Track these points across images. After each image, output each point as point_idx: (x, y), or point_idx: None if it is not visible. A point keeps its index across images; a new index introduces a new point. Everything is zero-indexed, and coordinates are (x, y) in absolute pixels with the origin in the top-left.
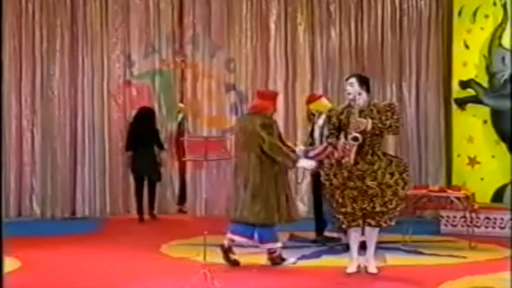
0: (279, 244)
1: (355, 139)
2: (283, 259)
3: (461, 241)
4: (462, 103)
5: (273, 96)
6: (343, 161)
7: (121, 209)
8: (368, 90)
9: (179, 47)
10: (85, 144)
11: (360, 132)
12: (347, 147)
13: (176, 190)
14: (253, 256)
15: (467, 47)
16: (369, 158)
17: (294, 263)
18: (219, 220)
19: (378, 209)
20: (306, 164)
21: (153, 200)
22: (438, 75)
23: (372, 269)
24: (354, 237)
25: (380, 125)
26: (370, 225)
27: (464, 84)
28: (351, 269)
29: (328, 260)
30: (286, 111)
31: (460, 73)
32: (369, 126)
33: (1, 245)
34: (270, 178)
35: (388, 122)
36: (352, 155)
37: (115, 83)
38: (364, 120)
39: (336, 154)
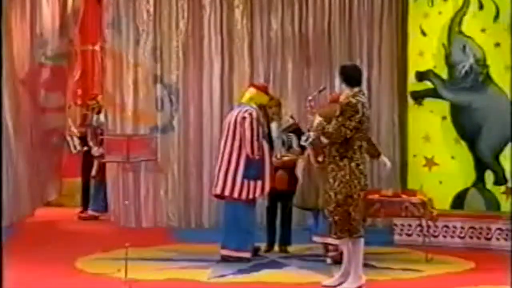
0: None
1: (305, 138)
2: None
3: (417, 252)
4: (418, 97)
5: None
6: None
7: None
8: (348, 84)
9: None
10: None
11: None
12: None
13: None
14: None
15: (424, 34)
16: (330, 159)
17: None
18: (146, 231)
19: (330, 218)
20: None
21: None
22: (392, 66)
23: (350, 284)
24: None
25: (320, 127)
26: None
27: (420, 76)
28: (329, 282)
29: (268, 275)
30: (221, 106)
31: (416, 64)
32: (315, 124)
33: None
34: None
35: (327, 127)
36: (312, 158)
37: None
38: (310, 117)
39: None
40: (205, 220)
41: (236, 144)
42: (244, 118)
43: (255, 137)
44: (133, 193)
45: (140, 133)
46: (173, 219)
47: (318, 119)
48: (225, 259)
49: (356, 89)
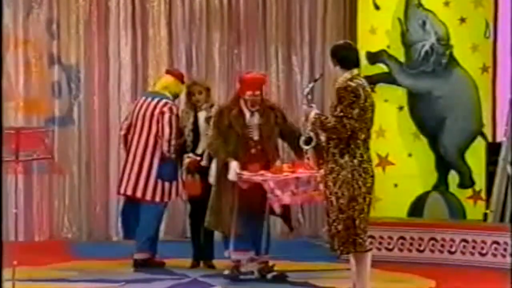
0: None
1: (307, 141)
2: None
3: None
4: (370, 82)
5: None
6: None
7: None
8: (342, 66)
9: None
10: None
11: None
12: (305, 152)
13: None
14: None
15: (376, 7)
16: (328, 157)
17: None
18: (39, 246)
19: (332, 229)
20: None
21: None
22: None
23: None
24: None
25: (318, 121)
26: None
27: (372, 57)
28: None
29: None
30: (133, 94)
31: (367, 43)
32: (311, 117)
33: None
34: None
35: (327, 120)
36: (314, 160)
37: None
38: (307, 109)
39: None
40: (112, 231)
41: (151, 140)
42: (163, 113)
43: (173, 135)
44: (23, 200)
45: (32, 125)
46: (73, 230)
47: (313, 113)
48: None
49: (355, 71)
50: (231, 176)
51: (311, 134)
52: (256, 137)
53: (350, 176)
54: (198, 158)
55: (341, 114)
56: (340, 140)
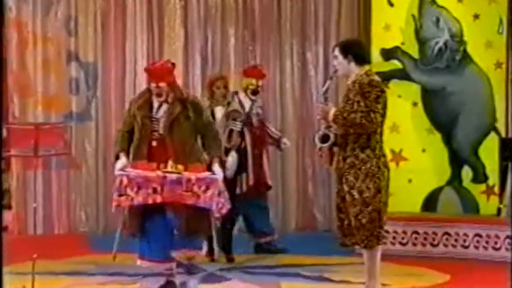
0: None
1: (323, 138)
2: None
3: (382, 263)
4: (384, 79)
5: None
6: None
7: None
8: (357, 62)
9: None
10: None
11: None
12: (319, 149)
13: None
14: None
15: (390, 4)
16: (347, 153)
17: None
18: (58, 239)
19: (353, 223)
20: None
21: None
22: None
23: None
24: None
25: (340, 117)
26: (353, 244)
27: (386, 54)
28: None
29: None
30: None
31: (381, 39)
32: (329, 118)
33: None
34: None
35: (352, 116)
36: (327, 158)
37: None
38: (326, 107)
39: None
40: None
41: None
42: None
43: None
44: (42, 194)
45: (51, 121)
46: (90, 224)
47: (333, 110)
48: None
49: (366, 67)
50: (115, 171)
51: (328, 132)
52: (161, 130)
53: (375, 169)
54: None
55: (367, 109)
56: (359, 135)
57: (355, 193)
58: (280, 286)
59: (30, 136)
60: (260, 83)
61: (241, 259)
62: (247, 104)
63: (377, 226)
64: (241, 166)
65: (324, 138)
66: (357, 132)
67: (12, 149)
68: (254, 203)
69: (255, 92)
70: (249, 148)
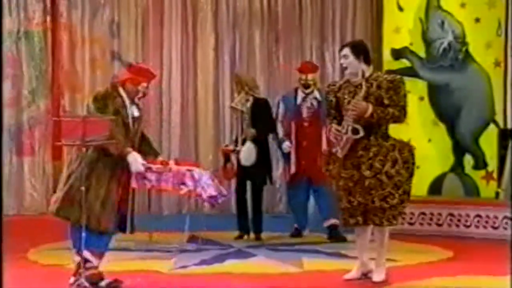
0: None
1: (355, 131)
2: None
3: (392, 241)
4: None
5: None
6: (333, 150)
7: None
8: (367, 61)
9: (51, 3)
10: None
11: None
12: (344, 138)
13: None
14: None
15: (400, 9)
16: (365, 141)
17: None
18: None
19: (377, 204)
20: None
21: None
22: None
23: (377, 277)
24: (358, 238)
25: (379, 111)
26: (373, 223)
27: (396, 54)
28: (350, 275)
29: (233, 265)
30: (182, 86)
31: (392, 40)
32: (368, 113)
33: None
34: None
35: (390, 110)
36: (346, 148)
37: None
38: (363, 103)
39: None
40: (164, 206)
41: None
42: None
43: None
44: None
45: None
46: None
47: (371, 108)
48: None
49: (371, 67)
50: (136, 167)
51: (360, 128)
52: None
53: (409, 157)
54: (230, 147)
55: (402, 103)
56: (380, 126)
57: (383, 177)
58: (302, 262)
59: (79, 127)
60: (309, 77)
61: (267, 237)
62: (299, 97)
63: (405, 206)
64: (286, 156)
65: (355, 131)
66: (389, 124)
67: (63, 139)
68: (318, 190)
69: (306, 86)
70: (292, 138)
